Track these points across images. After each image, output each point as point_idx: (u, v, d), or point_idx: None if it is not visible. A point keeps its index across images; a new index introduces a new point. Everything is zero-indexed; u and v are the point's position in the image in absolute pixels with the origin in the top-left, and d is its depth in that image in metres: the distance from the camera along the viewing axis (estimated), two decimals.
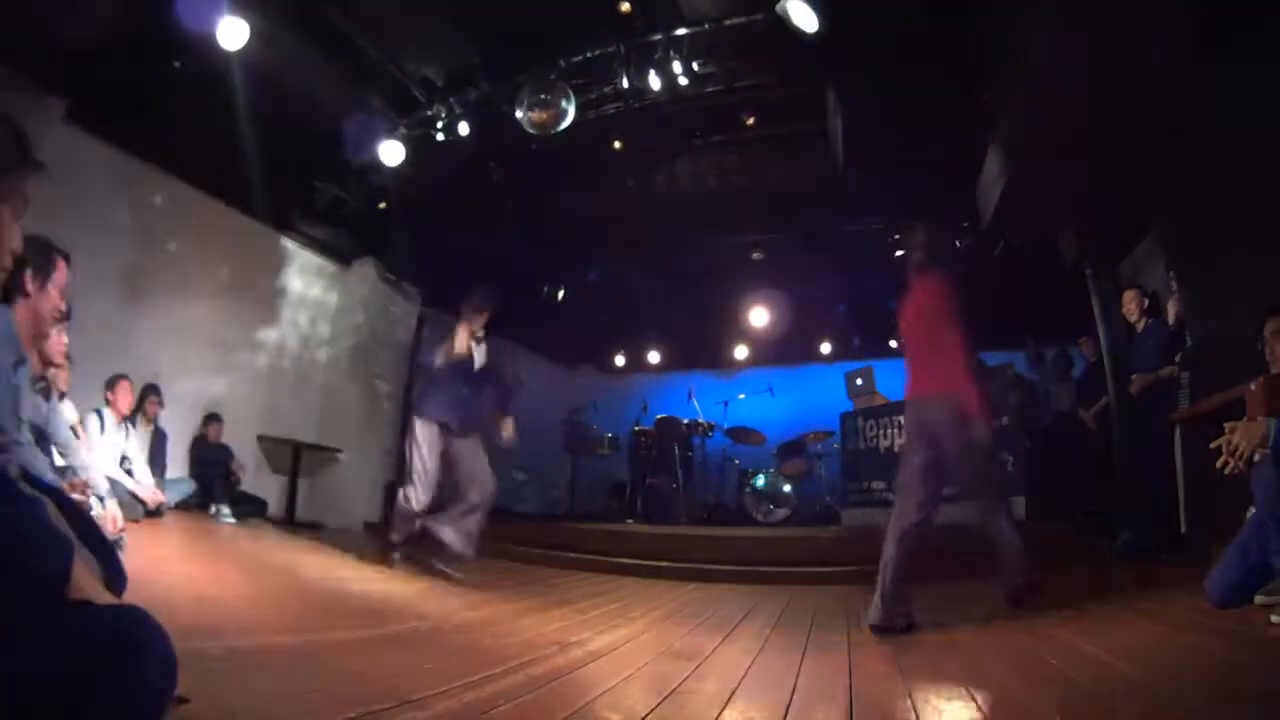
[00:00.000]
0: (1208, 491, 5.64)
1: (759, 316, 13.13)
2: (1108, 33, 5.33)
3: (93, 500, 3.73)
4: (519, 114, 7.98)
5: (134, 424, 7.32)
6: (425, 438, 6.14)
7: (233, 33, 6.74)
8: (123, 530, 3.07)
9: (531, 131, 8.09)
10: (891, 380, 10.33)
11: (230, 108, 7.46)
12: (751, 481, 11.08)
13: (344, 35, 7.51)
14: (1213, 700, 2.31)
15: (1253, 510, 3.80)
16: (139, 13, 6.50)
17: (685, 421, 11.52)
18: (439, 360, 6.20)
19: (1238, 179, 5.26)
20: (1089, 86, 5.80)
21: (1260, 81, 4.94)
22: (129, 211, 7.80)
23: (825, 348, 14.21)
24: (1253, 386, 4.03)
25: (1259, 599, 3.58)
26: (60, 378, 4.93)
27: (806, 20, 6.54)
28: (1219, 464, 3.52)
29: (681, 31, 7.45)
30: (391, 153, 8.50)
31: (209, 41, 6.74)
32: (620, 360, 15.96)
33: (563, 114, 7.91)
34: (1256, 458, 3.46)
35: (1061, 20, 5.54)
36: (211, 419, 8.68)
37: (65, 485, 2.45)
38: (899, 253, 4.63)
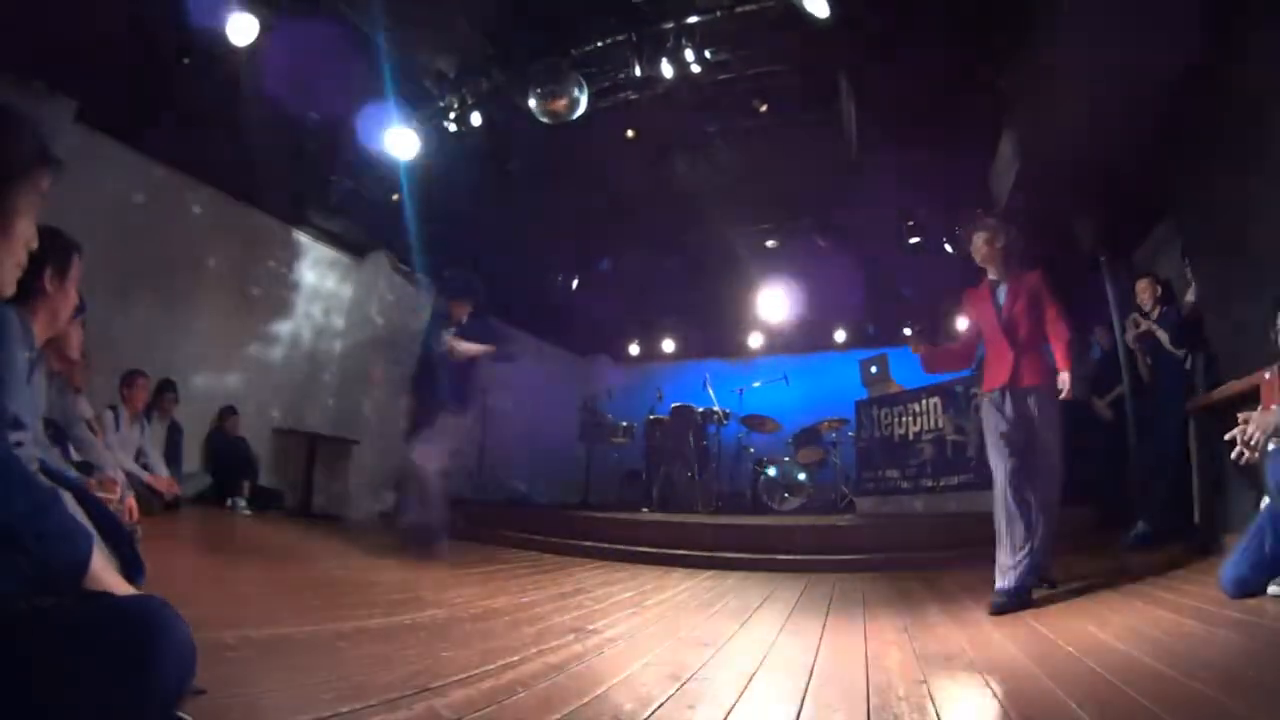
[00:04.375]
0: (1222, 481, 5.62)
1: (773, 304, 13.10)
2: (1124, 19, 5.29)
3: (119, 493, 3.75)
4: (531, 103, 7.98)
5: (149, 419, 7.37)
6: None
7: (242, 28, 6.75)
8: (137, 522, 3.09)
9: (544, 121, 8.08)
10: (906, 368, 10.32)
11: (240, 103, 7.48)
12: (766, 470, 11.07)
13: (354, 27, 7.51)
14: (1226, 690, 2.29)
15: (1266, 500, 3.78)
16: (148, 10, 6.51)
17: (700, 410, 11.48)
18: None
19: (1254, 166, 5.20)
20: (1104, 72, 5.75)
21: (1276, 69, 4.88)
22: (141, 209, 7.83)
23: (840, 335, 14.21)
24: (1267, 375, 4.01)
25: (1272, 589, 3.57)
26: (76, 374, 4.97)
27: (818, 6, 6.51)
28: (1233, 454, 3.50)
29: (693, 19, 7.42)
30: (404, 144, 8.50)
31: (218, 37, 6.76)
32: (635, 349, 15.99)
33: (575, 103, 7.90)
34: (1271, 447, 3.44)
35: (1077, 5, 5.49)
36: (227, 412, 8.73)
37: (93, 483, 2.46)
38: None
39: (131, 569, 1.87)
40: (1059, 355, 4.61)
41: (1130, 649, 2.88)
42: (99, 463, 4.96)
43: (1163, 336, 6.59)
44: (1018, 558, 4.30)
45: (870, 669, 2.88)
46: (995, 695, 2.45)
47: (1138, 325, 6.85)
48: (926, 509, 8.40)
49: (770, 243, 12.42)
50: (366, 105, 8.34)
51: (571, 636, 3.38)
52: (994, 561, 4.40)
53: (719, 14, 7.33)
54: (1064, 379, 4.52)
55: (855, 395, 10.37)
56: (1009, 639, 3.32)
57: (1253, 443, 3.40)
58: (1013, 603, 4.12)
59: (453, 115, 8.62)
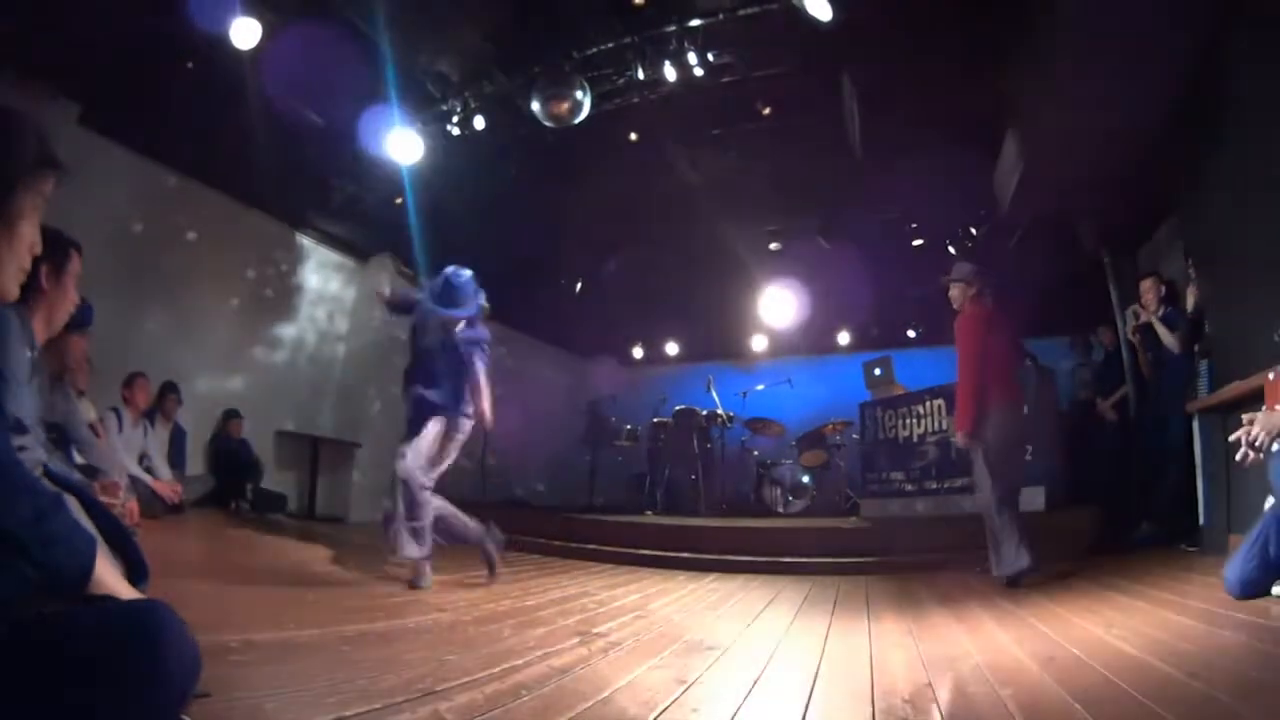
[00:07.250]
0: (1226, 481, 5.61)
1: (777, 307, 13.09)
2: (1127, 20, 5.28)
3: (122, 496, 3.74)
4: (534, 107, 7.99)
5: (152, 422, 7.37)
6: None
7: (245, 32, 6.76)
8: (138, 525, 3.09)
9: (547, 124, 8.09)
10: (909, 370, 10.30)
11: (243, 106, 7.48)
12: (770, 472, 11.05)
13: (357, 31, 7.51)
14: (1230, 692, 2.29)
15: (1271, 501, 3.77)
16: (151, 14, 6.52)
17: (704, 413, 11.48)
18: None
19: (1256, 166, 5.19)
20: (1107, 74, 5.75)
21: (1276, 70, 4.87)
22: (145, 212, 7.85)
23: (844, 338, 14.22)
24: (1271, 375, 3.99)
25: (1277, 590, 3.56)
26: (79, 377, 4.97)
27: (821, 8, 6.51)
28: (1237, 455, 3.49)
29: (696, 22, 7.42)
30: (407, 148, 8.51)
31: (222, 41, 6.77)
32: (639, 352, 15.97)
33: (578, 106, 7.91)
34: (1275, 447, 3.43)
35: (1080, 6, 5.49)
36: (231, 415, 8.73)
37: (96, 486, 2.46)
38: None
39: (135, 572, 1.87)
40: None
41: (1135, 650, 2.87)
42: (102, 465, 4.95)
43: (1165, 335, 6.59)
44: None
45: (875, 671, 2.88)
46: (1000, 697, 2.44)
47: (1137, 317, 6.86)
48: (930, 511, 8.38)
49: (774, 245, 12.42)
50: (369, 109, 8.34)
51: (576, 640, 3.37)
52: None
53: (721, 17, 7.33)
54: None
55: (859, 397, 10.35)
56: (1014, 641, 3.31)
57: (1257, 443, 3.40)
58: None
59: (455, 119, 8.64)
